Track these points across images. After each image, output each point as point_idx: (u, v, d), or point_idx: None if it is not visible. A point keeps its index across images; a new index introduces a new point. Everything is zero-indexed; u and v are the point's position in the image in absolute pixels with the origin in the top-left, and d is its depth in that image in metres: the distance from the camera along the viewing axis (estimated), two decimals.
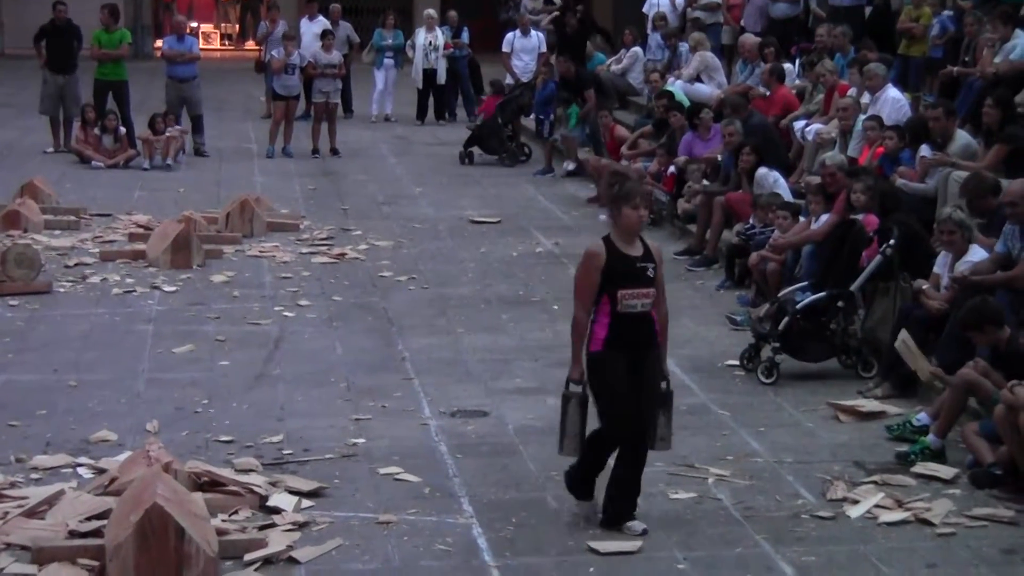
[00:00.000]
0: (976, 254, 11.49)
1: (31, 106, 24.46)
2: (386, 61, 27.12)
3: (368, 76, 27.64)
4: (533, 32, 25.74)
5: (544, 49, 25.19)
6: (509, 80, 25.66)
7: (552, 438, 10.38)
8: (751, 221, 14.96)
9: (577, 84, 22.01)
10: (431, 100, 27.34)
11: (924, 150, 13.86)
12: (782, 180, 15.44)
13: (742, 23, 23.31)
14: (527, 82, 24.48)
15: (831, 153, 15.06)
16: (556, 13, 27.83)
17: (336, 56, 23.97)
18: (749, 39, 20.65)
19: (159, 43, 36.99)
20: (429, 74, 26.69)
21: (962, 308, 10.43)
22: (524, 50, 25.52)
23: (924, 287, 11.59)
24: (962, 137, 13.90)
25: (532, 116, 24.07)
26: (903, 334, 11.00)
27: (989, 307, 10.23)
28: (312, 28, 26.16)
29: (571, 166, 21.73)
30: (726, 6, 24.31)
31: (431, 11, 27.92)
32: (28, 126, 24.74)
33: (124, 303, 14.25)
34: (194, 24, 32.62)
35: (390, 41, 27.22)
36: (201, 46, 28.04)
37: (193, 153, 23.02)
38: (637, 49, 24.70)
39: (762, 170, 15.53)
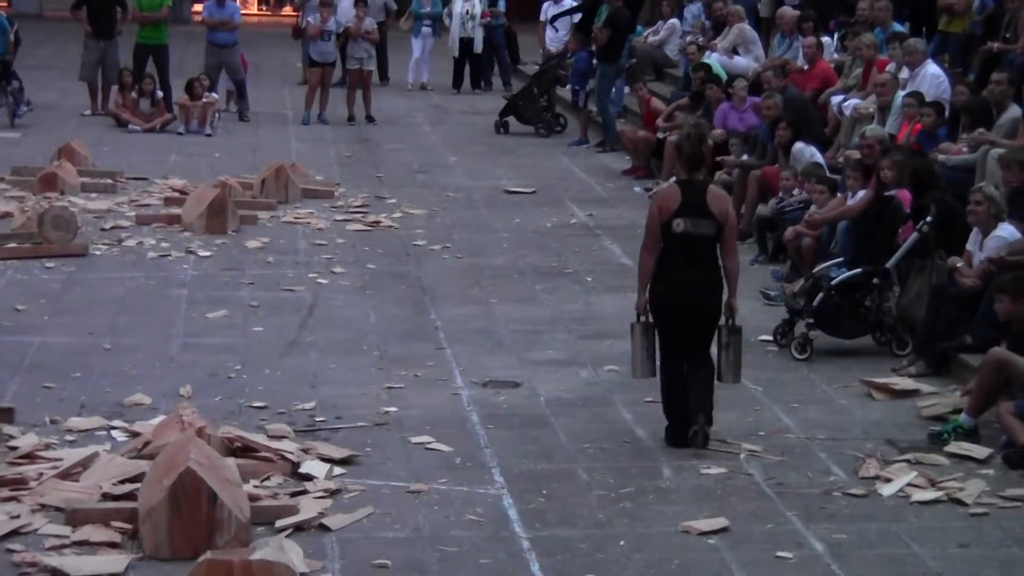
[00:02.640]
0: (1004, 230, 11.46)
1: (70, 68, 24.50)
2: (423, 29, 27.07)
3: (405, 44, 27.60)
4: (567, 1, 25.60)
5: (576, 19, 25.00)
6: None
7: (584, 410, 10.45)
8: (780, 195, 14.91)
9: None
10: (467, 69, 27.29)
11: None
12: (819, 155, 15.37)
13: None
14: (560, 52, 24.36)
15: (872, 126, 14.95)
16: None
17: (369, 23, 23.90)
18: (788, 11, 20.51)
19: (198, 7, 37.06)
20: (465, 43, 26.64)
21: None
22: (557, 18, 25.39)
23: (958, 264, 11.54)
24: (1015, 110, 13.81)
25: (568, 87, 23.98)
26: None
27: (1019, 280, 10.35)
28: None
29: None
30: None
31: None
32: (67, 88, 24.77)
33: (159, 267, 14.30)
34: None
35: (428, 9, 27.15)
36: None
37: (238, 119, 23.04)
38: (674, 21, 24.58)
39: (798, 145, 15.46)
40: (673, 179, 10.62)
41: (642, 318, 9.88)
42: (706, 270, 9.78)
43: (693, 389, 9.79)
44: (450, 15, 26.80)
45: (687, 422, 9.78)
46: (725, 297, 9.90)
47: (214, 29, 23.22)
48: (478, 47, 26.83)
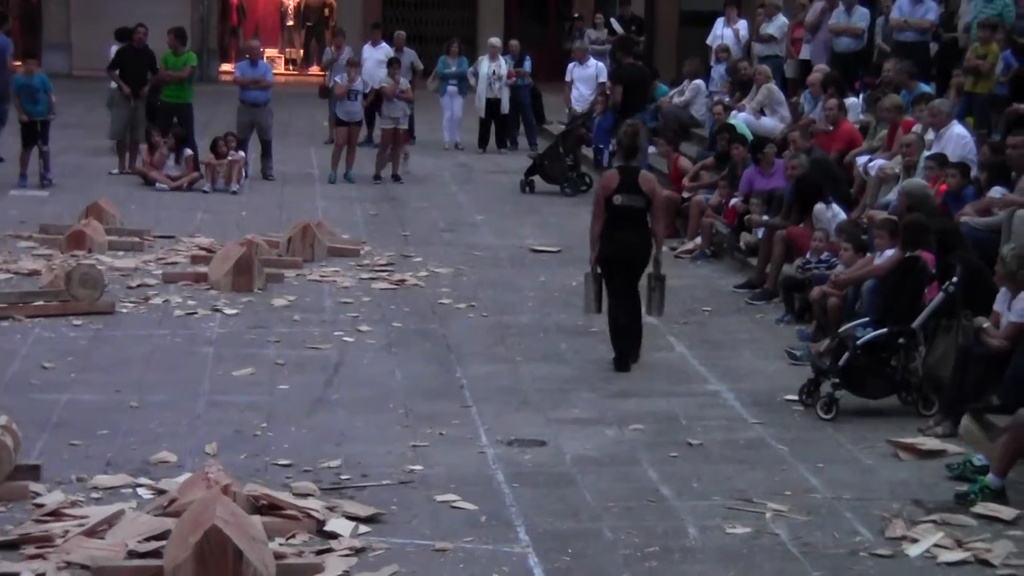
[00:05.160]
0: None
1: (98, 127, 24.68)
2: (449, 88, 27.22)
3: (432, 103, 27.74)
4: (592, 61, 25.73)
5: (603, 79, 25.16)
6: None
7: (610, 468, 10.43)
8: (808, 255, 14.92)
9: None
10: (492, 128, 27.41)
11: (995, 191, 13.79)
12: (842, 215, 15.37)
13: (808, 57, 23.25)
14: (585, 112, 24.47)
15: (914, 180, 14.96)
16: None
17: (403, 83, 24.08)
18: (817, 74, 20.57)
19: (226, 67, 37.38)
20: (492, 103, 26.74)
21: None
22: (581, 79, 25.52)
23: (985, 325, 11.51)
24: None
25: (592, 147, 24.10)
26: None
27: None
28: (375, 55, 26.37)
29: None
30: (790, 39, 24.27)
31: (495, 39, 27.99)
32: (95, 147, 24.97)
33: (186, 325, 14.35)
34: (260, 48, 32.83)
35: (454, 68, 27.32)
36: None
37: (261, 177, 23.15)
38: (699, 82, 24.68)
39: (819, 206, 15.49)
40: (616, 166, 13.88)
41: (595, 270, 13.15)
42: (639, 233, 13.08)
43: (629, 322, 13.15)
44: (475, 74, 26.92)
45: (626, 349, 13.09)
46: (654, 253, 13.20)
47: (247, 88, 23.36)
48: (505, 107, 26.94)
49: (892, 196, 15.08)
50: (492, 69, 26.73)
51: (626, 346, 13.12)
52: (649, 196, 13.08)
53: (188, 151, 22.48)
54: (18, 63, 23.60)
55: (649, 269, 13.29)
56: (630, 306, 13.20)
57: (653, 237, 13.19)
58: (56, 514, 9.15)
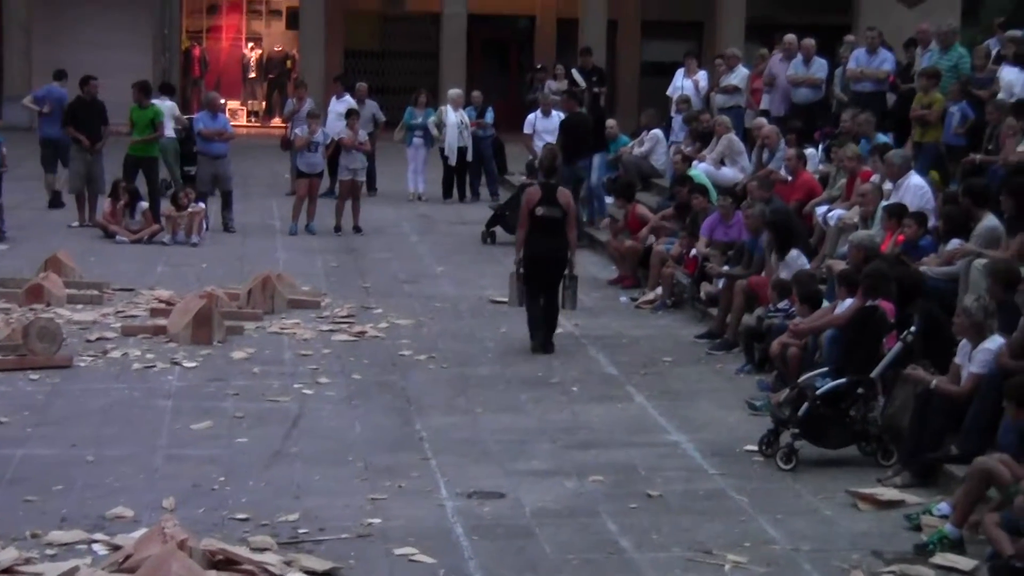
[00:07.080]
0: (995, 342, 11.43)
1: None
2: (415, 140, 27.28)
3: (393, 154, 27.75)
4: (555, 113, 25.82)
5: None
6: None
7: (570, 520, 10.40)
8: (771, 305, 14.95)
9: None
10: (455, 179, 27.48)
11: (953, 243, 13.86)
12: (802, 263, 15.40)
13: (768, 107, 23.40)
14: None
15: (861, 232, 15.03)
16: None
17: (362, 134, 24.13)
18: (767, 126, 20.69)
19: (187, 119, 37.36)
20: (460, 152, 26.83)
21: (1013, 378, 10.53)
22: (546, 131, 25.52)
23: (934, 384, 11.45)
24: (990, 220, 13.91)
25: None
26: None
27: None
28: (337, 107, 26.41)
29: None
30: (749, 90, 24.43)
31: (457, 91, 28.09)
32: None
33: (144, 378, 14.26)
34: (221, 100, 32.63)
35: (421, 120, 27.37)
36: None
37: (222, 229, 23.10)
38: (657, 131, 24.79)
39: (793, 252, 15.53)
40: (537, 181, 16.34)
41: (519, 270, 15.49)
42: (557, 239, 15.38)
43: (547, 314, 15.61)
44: (437, 125, 26.98)
45: (543, 336, 15.53)
46: (570, 256, 15.51)
47: (210, 140, 23.32)
48: (471, 156, 27.06)
49: None
50: (459, 119, 26.84)
51: (541, 334, 15.54)
52: (565, 208, 15.44)
53: (143, 204, 22.40)
54: None
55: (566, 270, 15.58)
56: (549, 304, 15.58)
57: (568, 243, 15.44)
58: (10, 571, 9.06)
